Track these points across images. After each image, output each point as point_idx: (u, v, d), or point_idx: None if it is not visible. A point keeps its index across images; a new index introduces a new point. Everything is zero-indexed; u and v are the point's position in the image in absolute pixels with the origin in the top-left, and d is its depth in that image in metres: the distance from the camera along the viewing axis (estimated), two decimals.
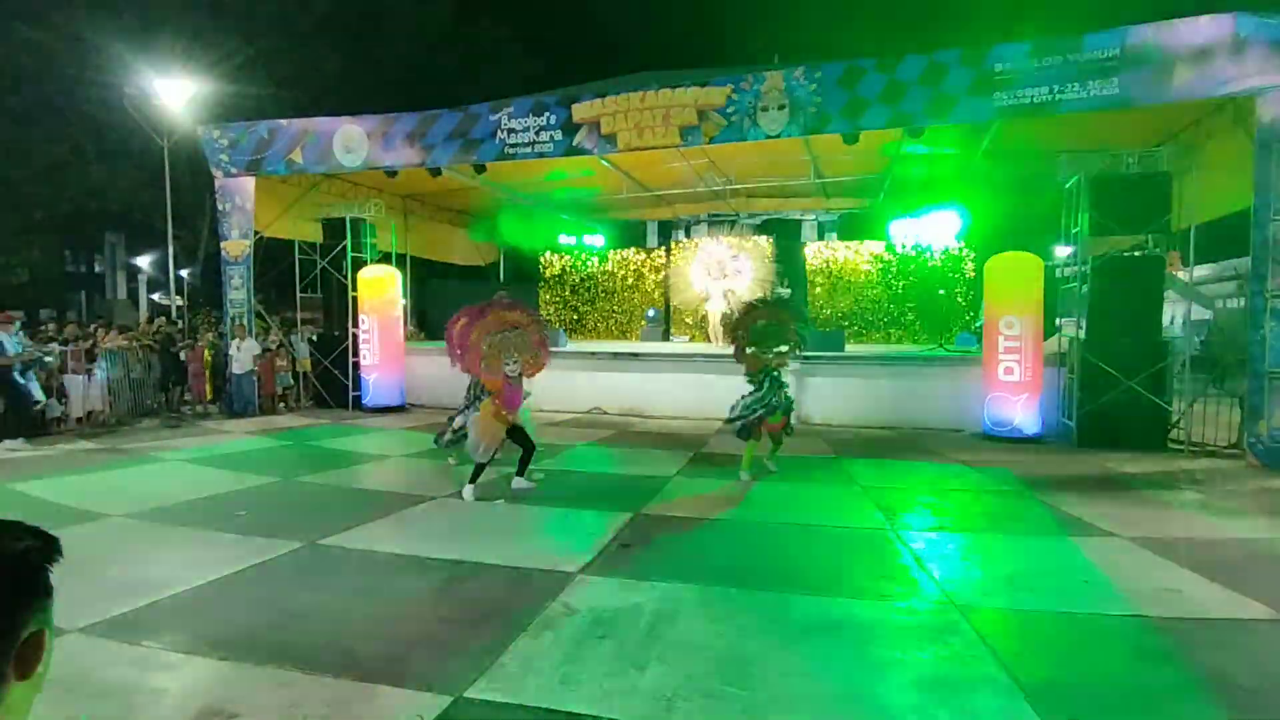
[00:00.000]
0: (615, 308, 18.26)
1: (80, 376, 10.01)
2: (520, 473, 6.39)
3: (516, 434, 6.28)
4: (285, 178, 12.37)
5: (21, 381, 8.74)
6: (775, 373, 6.91)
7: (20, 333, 9.33)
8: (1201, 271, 18.74)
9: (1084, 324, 9.11)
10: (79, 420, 9.91)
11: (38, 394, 8.98)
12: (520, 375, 6.14)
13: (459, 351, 6.11)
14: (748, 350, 6.95)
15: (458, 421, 7.10)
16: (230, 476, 6.99)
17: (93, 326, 13.03)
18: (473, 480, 6.17)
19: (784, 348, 6.95)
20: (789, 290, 14.65)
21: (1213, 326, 19.87)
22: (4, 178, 21.31)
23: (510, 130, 10.51)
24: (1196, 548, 4.81)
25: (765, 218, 17.15)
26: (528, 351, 6.15)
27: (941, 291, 15.59)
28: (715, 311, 15.03)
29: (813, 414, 10.46)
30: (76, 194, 23.11)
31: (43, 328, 14.67)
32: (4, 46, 19.89)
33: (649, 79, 10.07)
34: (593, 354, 12.58)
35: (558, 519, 5.63)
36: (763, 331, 6.95)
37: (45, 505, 5.76)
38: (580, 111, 10.15)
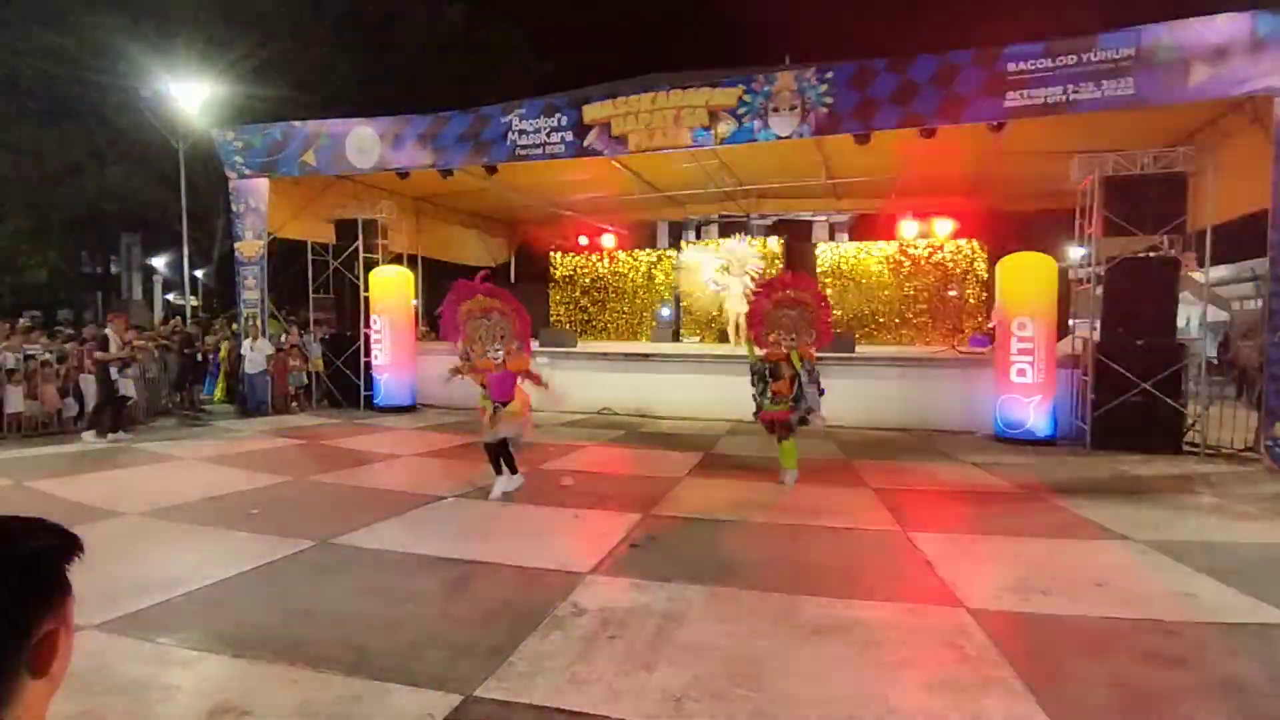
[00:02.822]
0: (625, 308, 18.27)
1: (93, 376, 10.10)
2: (512, 469, 6.33)
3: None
4: (298, 179, 12.46)
5: (117, 378, 9.26)
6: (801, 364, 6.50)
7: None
8: (1218, 273, 18.53)
9: (1098, 325, 9.03)
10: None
11: (128, 390, 9.50)
12: (503, 364, 6.09)
13: (451, 331, 6.17)
14: (767, 337, 6.60)
15: None
16: (243, 475, 7.04)
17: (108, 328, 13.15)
18: (511, 471, 6.26)
19: (806, 336, 6.51)
20: None
21: (1231, 329, 19.64)
22: (22, 179, 21.57)
23: (521, 132, 10.55)
24: (1211, 551, 4.76)
25: (776, 218, 17.12)
26: (509, 340, 6.09)
27: (953, 293, 15.51)
28: (735, 310, 14.85)
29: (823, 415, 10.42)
30: (93, 195, 23.33)
31: (58, 328, 14.86)
32: (23, 50, 20.15)
33: (660, 80, 10.09)
34: (603, 354, 12.58)
35: (567, 519, 5.64)
36: (779, 316, 6.55)
37: (61, 503, 5.83)
38: (591, 113, 10.17)
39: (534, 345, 6.94)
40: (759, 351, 6.76)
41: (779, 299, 6.64)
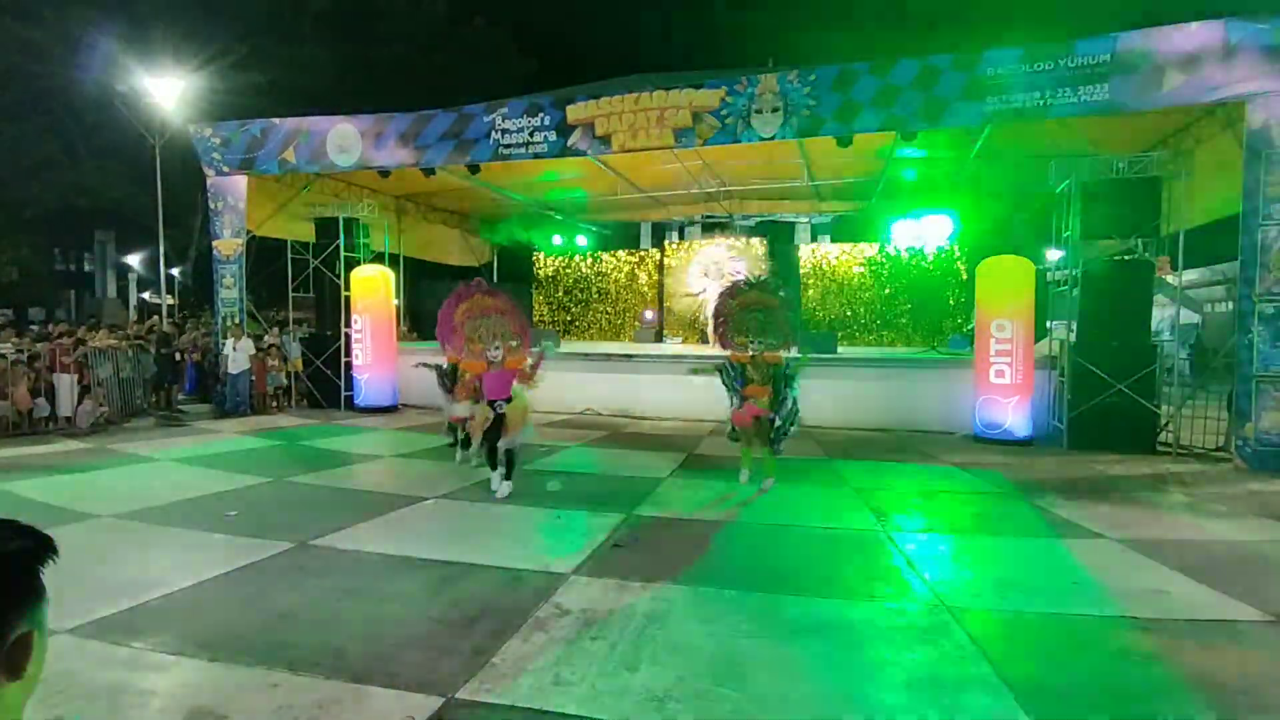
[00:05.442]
0: (608, 309, 18.27)
1: (69, 376, 9.94)
2: (507, 475, 6.31)
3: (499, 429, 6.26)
4: (278, 177, 12.33)
5: None
6: (776, 369, 6.37)
7: None
8: (1190, 276, 18.88)
9: (1074, 327, 9.17)
10: (67, 420, 9.83)
11: None
12: (503, 363, 6.15)
13: (447, 333, 6.18)
14: (734, 340, 6.45)
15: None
16: (221, 477, 6.95)
17: (82, 328, 12.94)
18: (505, 476, 6.27)
19: (773, 339, 6.37)
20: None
21: (1201, 331, 20.04)
22: None
23: (504, 131, 10.51)
24: (1184, 549, 4.84)
25: (759, 220, 17.22)
26: (509, 339, 6.16)
27: (932, 295, 15.66)
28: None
29: (805, 416, 10.47)
30: (67, 191, 22.95)
31: (31, 327, 14.59)
32: None
33: (643, 81, 10.10)
34: (586, 355, 12.57)
35: (550, 520, 5.62)
36: (746, 320, 6.39)
37: (33, 505, 5.72)
38: (575, 112, 10.16)
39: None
40: (725, 369, 6.56)
41: (744, 301, 6.53)
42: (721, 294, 6.89)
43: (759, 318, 6.40)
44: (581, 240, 18.26)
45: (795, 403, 6.46)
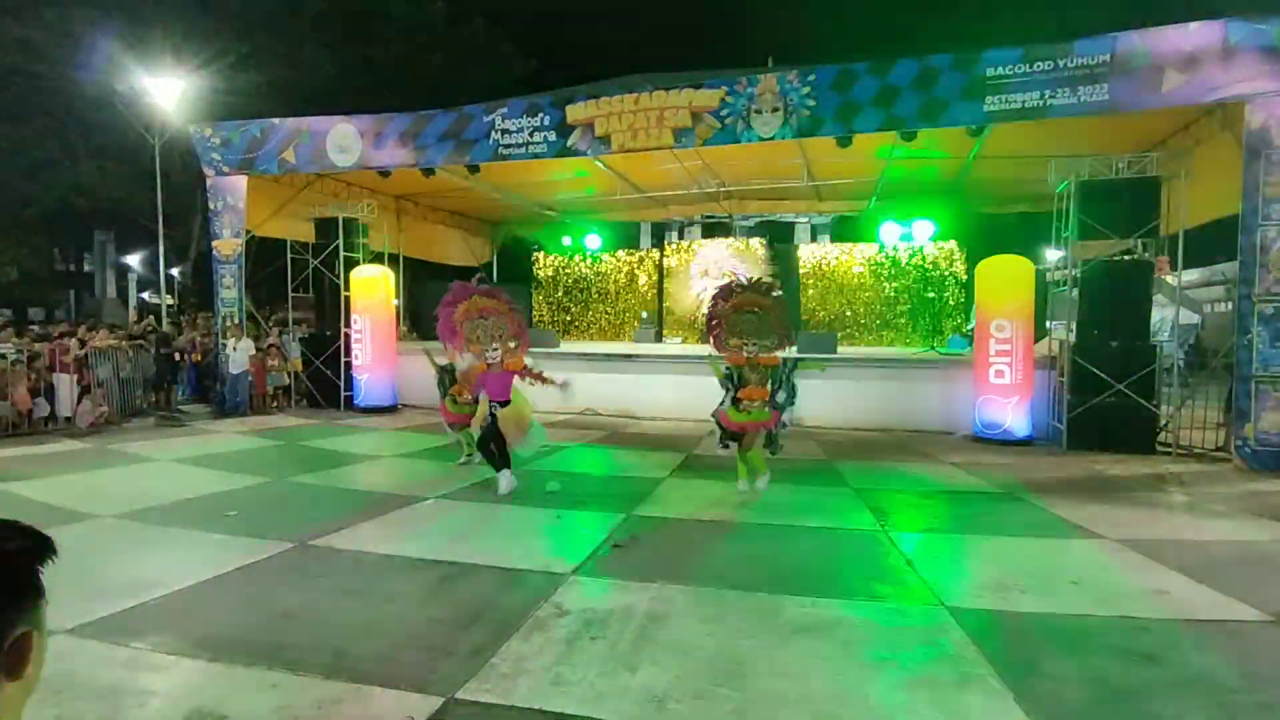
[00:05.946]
0: (608, 309, 18.27)
1: (69, 376, 9.94)
2: (506, 464, 6.35)
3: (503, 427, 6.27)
4: (278, 177, 12.32)
5: None
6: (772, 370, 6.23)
7: None
8: (1190, 276, 18.89)
9: (1074, 327, 9.17)
10: (67, 420, 9.83)
11: None
12: (501, 364, 6.17)
13: (448, 334, 6.21)
14: (729, 343, 6.34)
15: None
16: (220, 477, 6.95)
17: (82, 328, 12.93)
18: (499, 470, 6.31)
19: (769, 340, 6.26)
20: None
21: (1201, 331, 20.06)
22: None
23: (504, 131, 10.51)
24: (1184, 549, 4.85)
25: (758, 220, 17.22)
26: (506, 339, 6.18)
27: (932, 294, 15.68)
28: None
29: (804, 416, 10.47)
30: (66, 191, 22.93)
31: (31, 327, 14.59)
32: None
33: (643, 81, 10.10)
34: (585, 355, 12.57)
35: (550, 520, 5.62)
36: (740, 322, 6.30)
37: (33, 505, 5.71)
38: (574, 113, 10.16)
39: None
40: (722, 368, 6.45)
41: (738, 303, 6.42)
42: (715, 296, 6.74)
43: (753, 319, 6.33)
44: (594, 241, 18.21)
45: (794, 391, 6.33)
